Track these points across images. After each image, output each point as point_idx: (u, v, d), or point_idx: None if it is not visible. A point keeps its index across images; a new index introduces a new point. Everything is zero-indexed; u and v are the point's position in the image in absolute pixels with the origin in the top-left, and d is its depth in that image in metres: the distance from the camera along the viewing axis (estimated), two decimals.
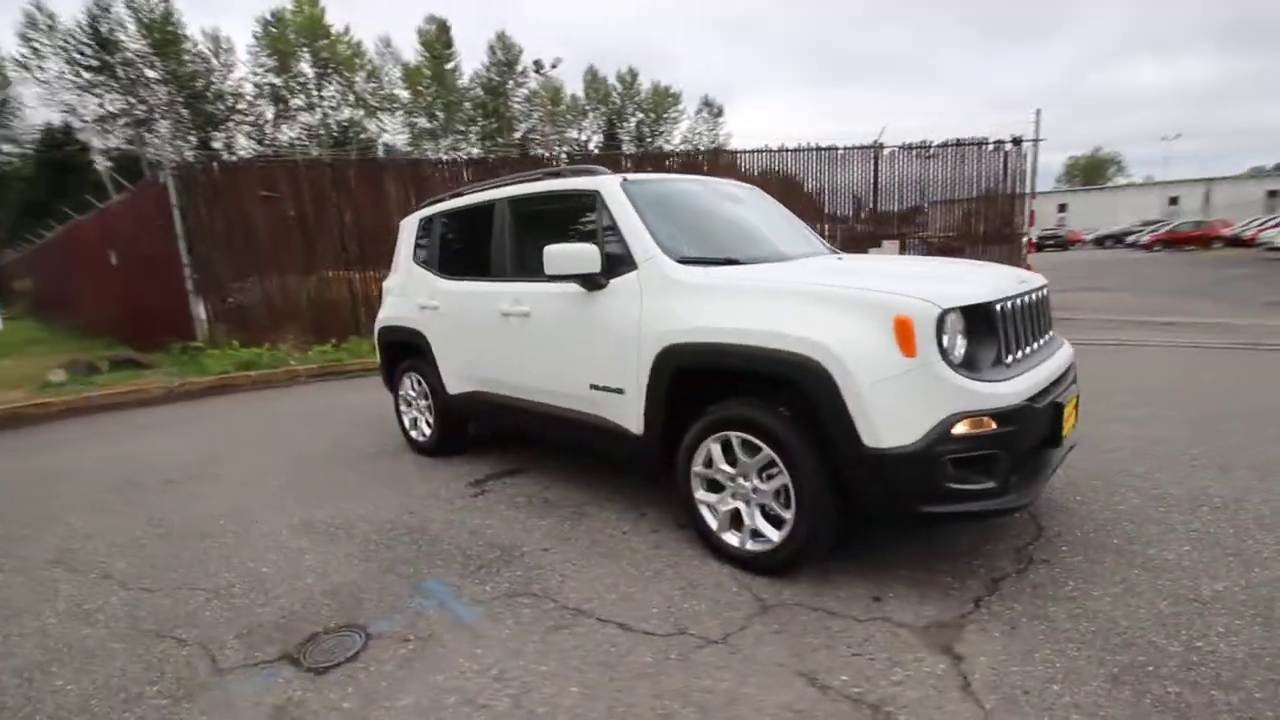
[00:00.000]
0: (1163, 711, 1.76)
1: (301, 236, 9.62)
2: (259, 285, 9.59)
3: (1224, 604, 2.21)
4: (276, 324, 9.48)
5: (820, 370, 2.22)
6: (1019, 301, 2.51)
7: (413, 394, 4.49)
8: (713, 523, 2.70)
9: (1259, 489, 3.09)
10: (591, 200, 3.18)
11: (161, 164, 9.00)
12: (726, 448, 2.61)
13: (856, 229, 11.40)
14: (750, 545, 2.58)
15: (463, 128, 49.68)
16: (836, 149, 11.19)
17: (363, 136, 43.06)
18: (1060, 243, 37.63)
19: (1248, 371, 5.74)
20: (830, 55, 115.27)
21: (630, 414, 2.93)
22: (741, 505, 2.60)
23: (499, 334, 3.58)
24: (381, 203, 9.95)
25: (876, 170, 11.24)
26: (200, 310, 9.14)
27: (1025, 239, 11.20)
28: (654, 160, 13.41)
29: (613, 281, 2.96)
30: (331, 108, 42.74)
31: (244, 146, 39.30)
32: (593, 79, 57.37)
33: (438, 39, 46.65)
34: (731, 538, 2.64)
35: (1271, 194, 42.92)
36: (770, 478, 2.49)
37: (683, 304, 2.70)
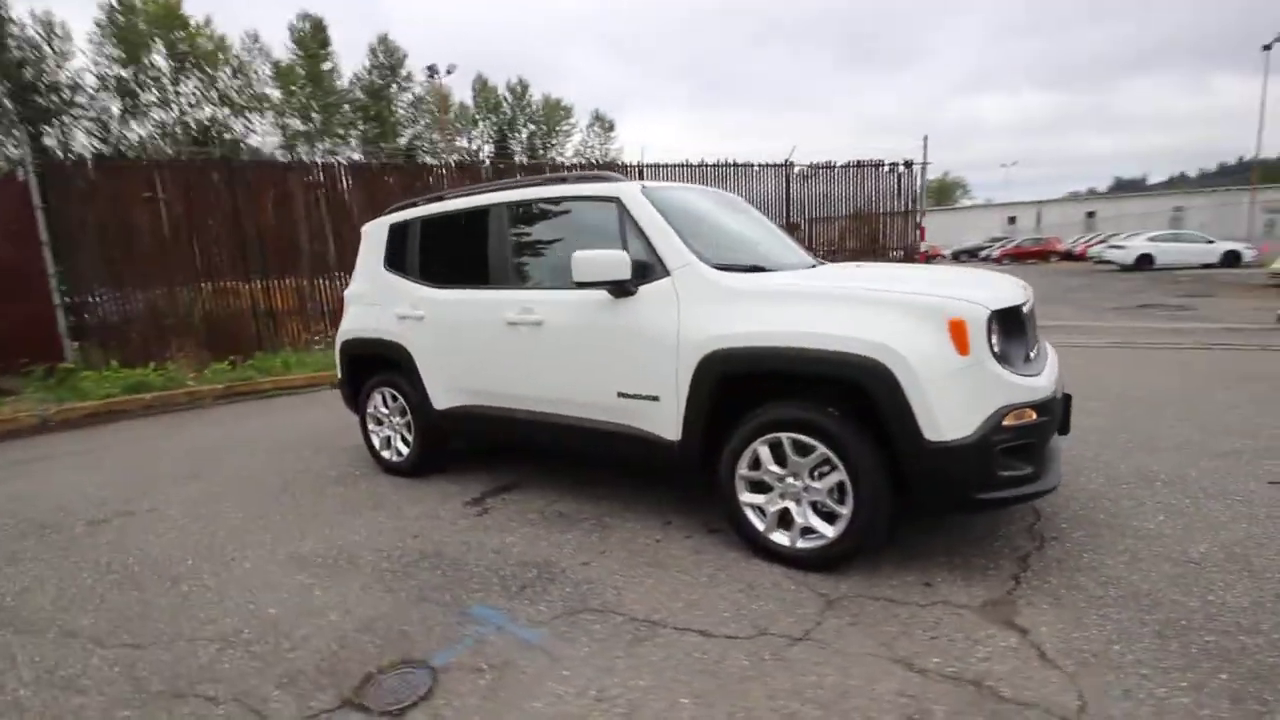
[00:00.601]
0: (1211, 658, 2.01)
1: (192, 243, 8.67)
2: (140, 297, 8.52)
3: (1212, 562, 2.56)
4: (163, 341, 8.45)
5: (884, 370, 2.34)
6: (1030, 305, 2.79)
7: (384, 411, 4.18)
8: (759, 524, 2.74)
9: (1190, 464, 3.60)
10: (610, 206, 3.14)
11: (22, 160, 7.76)
12: (775, 449, 2.67)
13: None
14: (801, 543, 2.64)
15: (342, 131, 46.92)
16: (752, 165, 11.71)
17: (227, 137, 39.48)
18: (926, 256, 41.48)
19: (1130, 365, 6.65)
20: (708, 77, 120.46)
21: (666, 421, 2.92)
22: (791, 504, 2.67)
23: (502, 344, 3.43)
24: (287, 206, 9.19)
25: (788, 187, 11.89)
26: (67, 327, 7.97)
27: (919, 251, 12.28)
28: (555, 171, 13.33)
29: (643, 288, 2.94)
30: (191, 104, 38.82)
31: (83, 144, 34.75)
32: (482, 87, 56.31)
33: (312, 37, 43.78)
34: (781, 537, 2.69)
35: (1090, 214, 49.79)
36: (823, 476, 2.58)
37: (728, 310, 2.73)
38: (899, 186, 12.00)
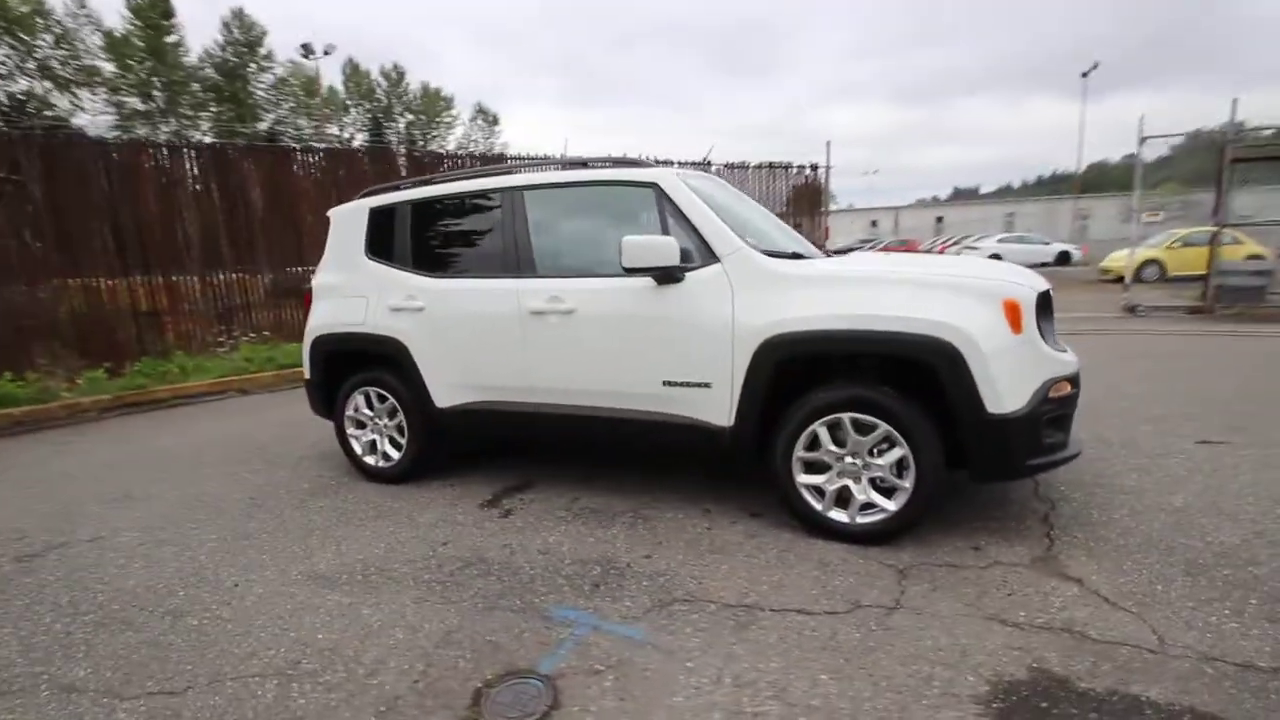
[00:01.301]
0: (1236, 588, 2.32)
1: (55, 232, 7.43)
2: None
3: (1195, 510, 2.96)
4: (22, 347, 7.19)
5: (951, 348, 2.49)
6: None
7: (368, 414, 3.83)
8: (816, 504, 2.82)
9: (1133, 429, 4.14)
10: (647, 192, 3.09)
11: None
12: (833, 429, 2.75)
13: None
14: (860, 519, 2.75)
15: (190, 112, 42.14)
16: (671, 163, 11.88)
17: (48, 114, 34.16)
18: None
19: None
20: (576, 75, 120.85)
21: (717, 407, 2.92)
22: (850, 483, 2.77)
23: (524, 335, 3.26)
24: (173, 192, 8.12)
25: None
26: None
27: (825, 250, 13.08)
28: (460, 162, 12.83)
29: (690, 275, 2.92)
30: (1, 75, 33.16)
31: None
32: (353, 72, 52.83)
33: (152, 6, 38.88)
34: (839, 515, 2.79)
35: (939, 219, 55.34)
36: (882, 453, 2.70)
37: (783, 295, 2.78)
38: (806, 187, 12.70)
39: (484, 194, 3.46)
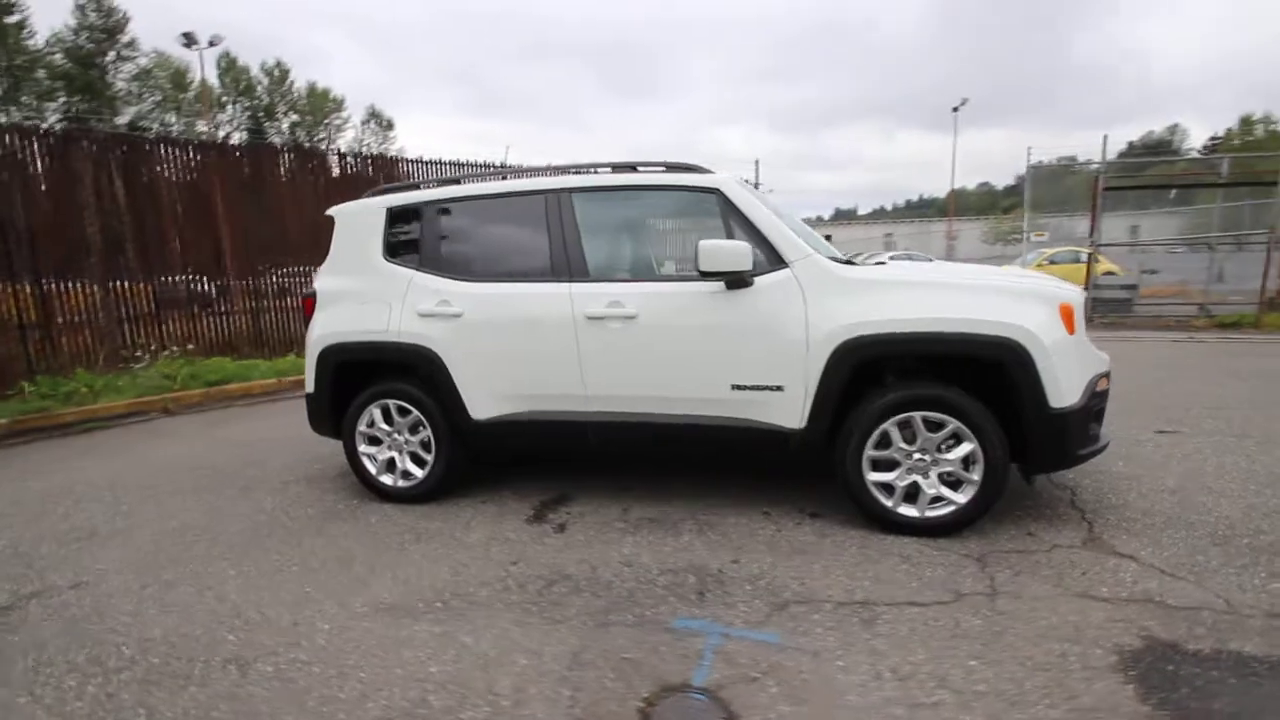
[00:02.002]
0: (1260, 552, 2.65)
1: None
2: None
3: (1189, 489, 3.34)
4: None
5: (1021, 348, 2.69)
6: None
7: (386, 429, 3.54)
8: (886, 500, 2.92)
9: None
10: (709, 198, 3.10)
11: None
12: (902, 427, 2.87)
13: None
14: (929, 512, 2.89)
15: (34, 101, 37.26)
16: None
17: None
18: None
19: None
20: (472, 88, 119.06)
21: (789, 410, 2.96)
22: (919, 478, 2.90)
23: (579, 341, 3.15)
24: (69, 188, 7.12)
25: None
26: None
27: None
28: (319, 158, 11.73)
29: (759, 280, 2.96)
30: None
31: None
32: (230, 66, 48.91)
33: None
34: (909, 510, 2.91)
35: (828, 237, 59.03)
36: (950, 449, 2.85)
37: (853, 299, 2.87)
38: None
39: (526, 195, 3.33)
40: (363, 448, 3.59)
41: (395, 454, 3.56)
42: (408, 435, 3.53)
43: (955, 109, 35.52)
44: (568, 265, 3.22)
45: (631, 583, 2.62)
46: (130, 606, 2.58)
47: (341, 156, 9.84)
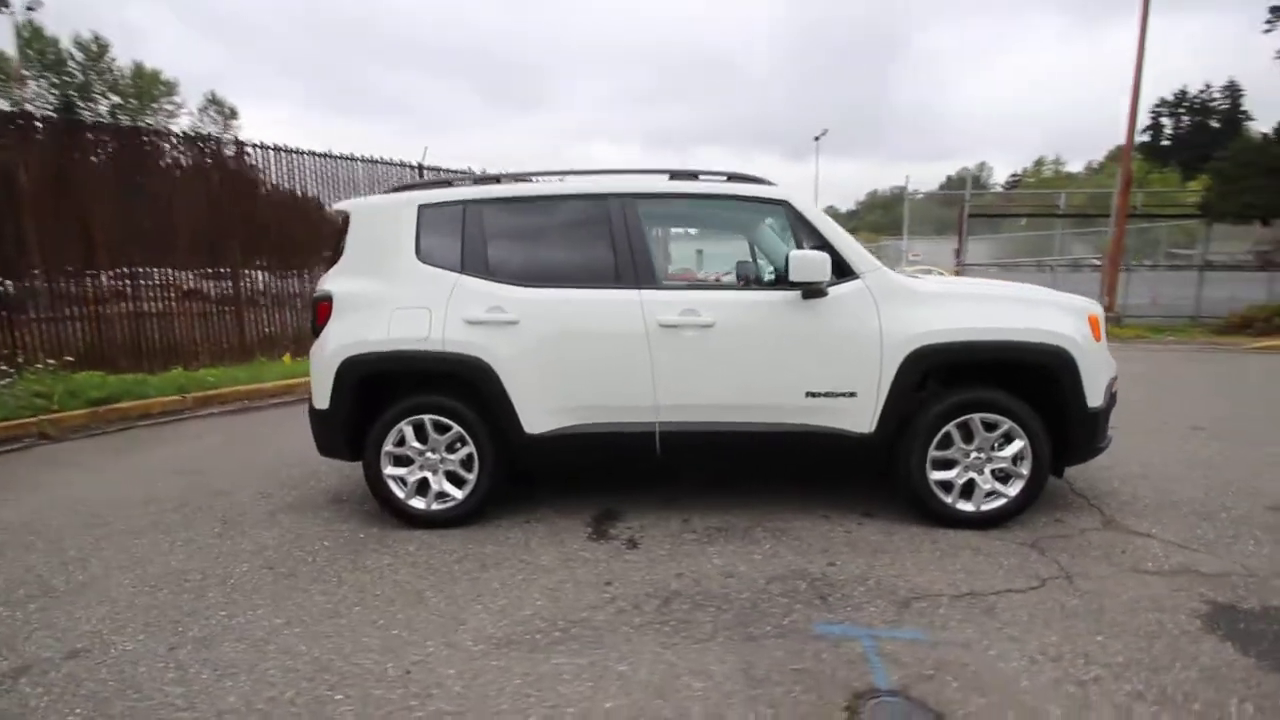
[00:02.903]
0: (1240, 524, 3.13)
1: None
2: None
3: (1154, 476, 3.88)
4: None
5: (1067, 355, 3.00)
6: None
7: (418, 447, 3.20)
8: (946, 497, 3.12)
9: None
10: (777, 209, 3.15)
11: None
12: (960, 428, 3.09)
13: None
14: (984, 507, 3.12)
15: None
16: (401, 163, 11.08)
17: None
18: None
19: None
20: (329, 88, 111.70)
21: (860, 415, 3.07)
22: (975, 475, 3.12)
23: (651, 350, 3.06)
24: None
25: None
26: None
27: None
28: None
29: (833, 289, 3.05)
30: None
31: None
32: (33, 37, 41.95)
33: None
34: (966, 505, 3.12)
35: (699, 251, 61.66)
36: (1001, 447, 3.11)
37: (919, 309, 3.05)
38: None
39: (588, 199, 3.19)
40: (389, 469, 3.22)
41: (429, 474, 3.23)
42: (444, 453, 3.22)
43: (816, 138, 38.55)
44: (635, 271, 3.12)
45: (746, 593, 2.58)
46: (172, 674, 2.12)
47: (240, 146, 8.69)
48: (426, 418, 3.17)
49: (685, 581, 2.68)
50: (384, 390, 3.23)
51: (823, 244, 3.09)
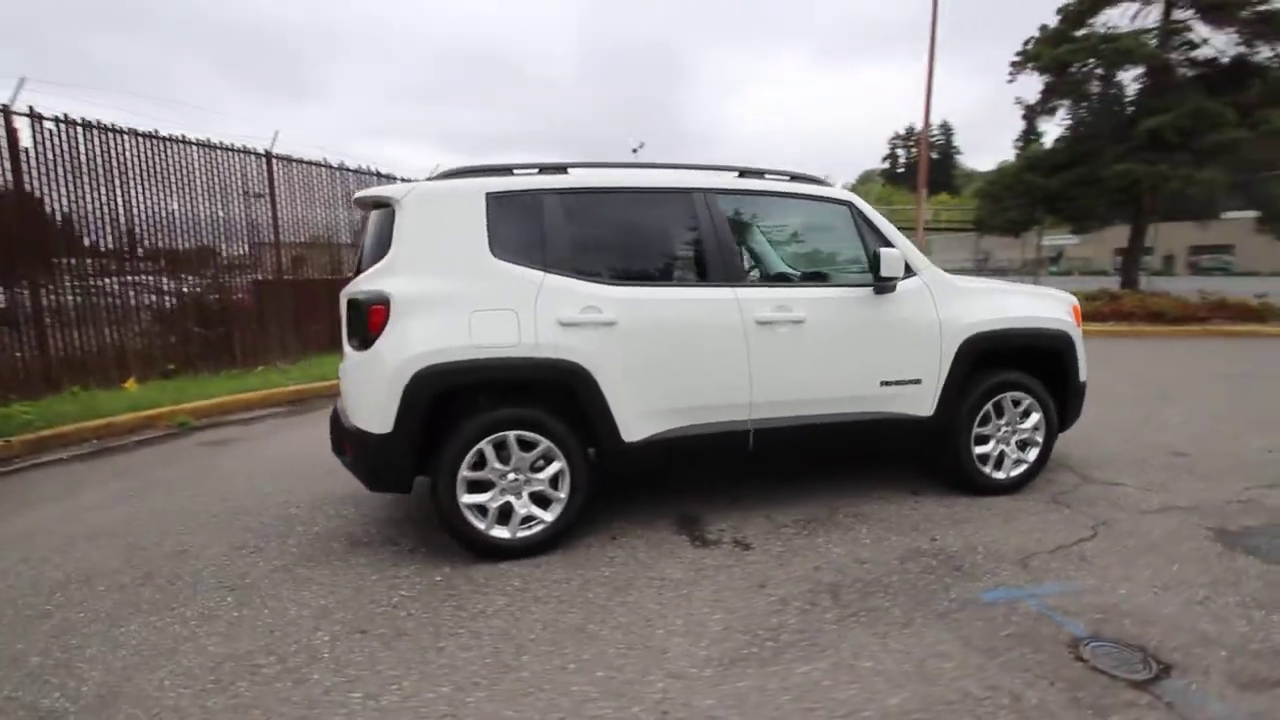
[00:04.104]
0: (1186, 471, 3.95)
1: None
2: None
3: (1076, 439, 4.71)
4: None
5: (1069, 338, 3.56)
6: None
7: (500, 468, 2.82)
8: (985, 468, 3.52)
9: None
10: (841, 209, 3.31)
11: None
12: (995, 406, 3.51)
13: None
14: (1012, 474, 3.57)
15: None
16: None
17: None
18: None
19: None
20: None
21: (922, 400, 3.34)
22: (1005, 448, 3.56)
23: (749, 347, 3.03)
24: None
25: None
26: None
27: None
28: None
29: (899, 285, 3.29)
30: None
31: None
32: None
33: None
34: (999, 474, 3.54)
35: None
36: (1023, 420, 3.58)
37: (964, 302, 3.40)
38: None
39: (673, 193, 3.06)
40: (466, 497, 2.79)
41: (512, 498, 2.86)
42: (528, 473, 2.88)
43: (635, 150, 40.13)
44: (724, 268, 3.07)
45: (894, 576, 2.68)
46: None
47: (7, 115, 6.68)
48: (511, 434, 2.81)
49: (830, 573, 2.71)
50: (466, 404, 2.80)
51: (884, 243, 3.31)
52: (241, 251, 8.75)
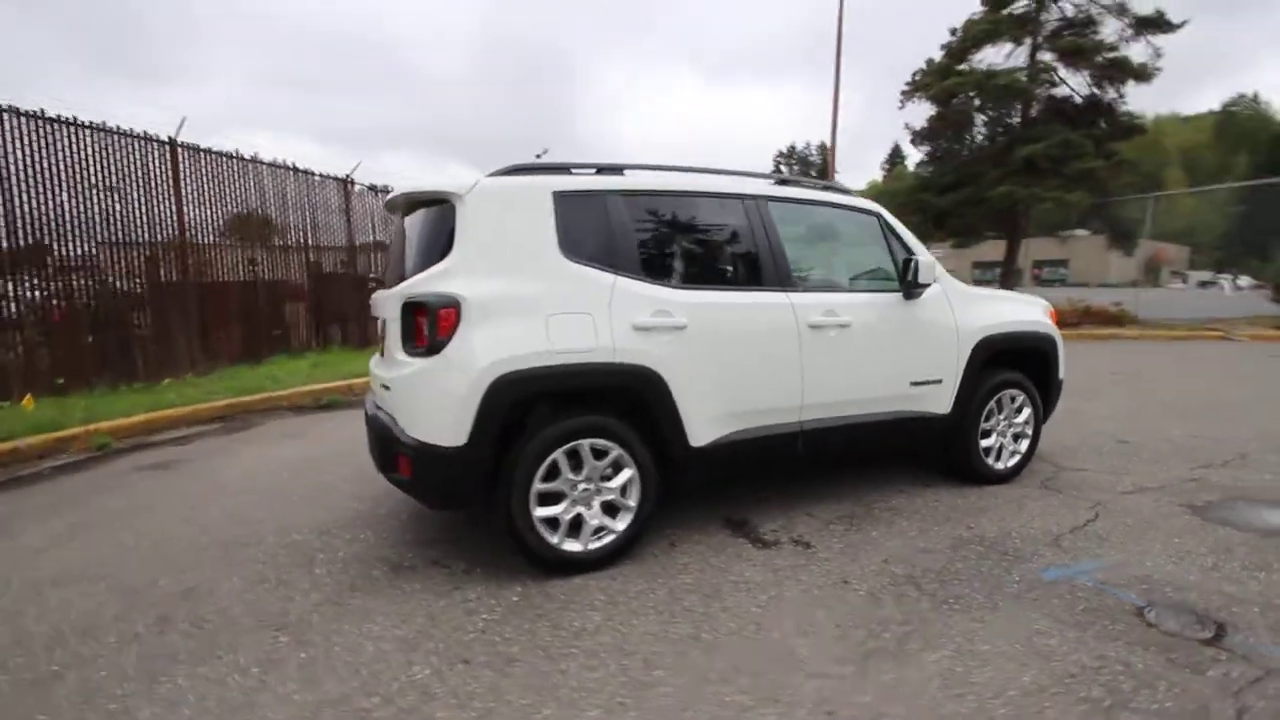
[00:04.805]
0: (1134, 456, 4.49)
1: None
2: None
3: (1049, 432, 5.22)
4: None
5: (1055, 340, 3.94)
6: None
7: (573, 478, 2.71)
8: (988, 459, 3.82)
9: None
10: (870, 220, 3.48)
11: None
12: (997, 403, 3.82)
13: None
14: (1009, 464, 3.90)
15: None
16: (314, 174, 9.87)
17: None
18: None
19: None
20: None
21: (942, 398, 3.58)
22: (1003, 440, 3.88)
23: (803, 351, 3.11)
24: None
25: (348, 203, 10.59)
26: None
27: None
28: None
29: (923, 291, 3.50)
30: None
31: None
32: None
33: None
34: (999, 465, 3.86)
35: None
36: (1018, 415, 3.92)
37: (974, 307, 3.68)
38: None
39: (725, 197, 3.08)
40: (537, 511, 2.65)
41: (582, 509, 2.75)
42: (595, 484, 2.78)
43: (538, 155, 39.73)
44: (777, 272, 3.13)
45: (958, 563, 2.84)
46: None
47: None
48: (585, 442, 2.71)
49: (901, 565, 2.83)
50: (537, 412, 2.66)
51: (908, 251, 3.52)
52: (144, 252, 7.76)
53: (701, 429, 2.94)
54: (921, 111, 17.26)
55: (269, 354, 9.10)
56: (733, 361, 2.98)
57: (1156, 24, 13.98)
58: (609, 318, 2.72)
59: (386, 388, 2.76)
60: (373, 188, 11.13)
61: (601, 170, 2.96)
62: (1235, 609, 2.43)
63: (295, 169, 9.67)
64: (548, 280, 2.68)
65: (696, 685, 2.03)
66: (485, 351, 2.51)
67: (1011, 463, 3.91)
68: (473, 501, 2.65)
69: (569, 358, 2.62)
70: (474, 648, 2.25)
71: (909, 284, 3.35)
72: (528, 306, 2.62)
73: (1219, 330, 11.76)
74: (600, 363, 2.68)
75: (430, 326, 2.52)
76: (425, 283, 2.61)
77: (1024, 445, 3.96)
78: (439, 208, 2.75)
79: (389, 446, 2.69)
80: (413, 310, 2.61)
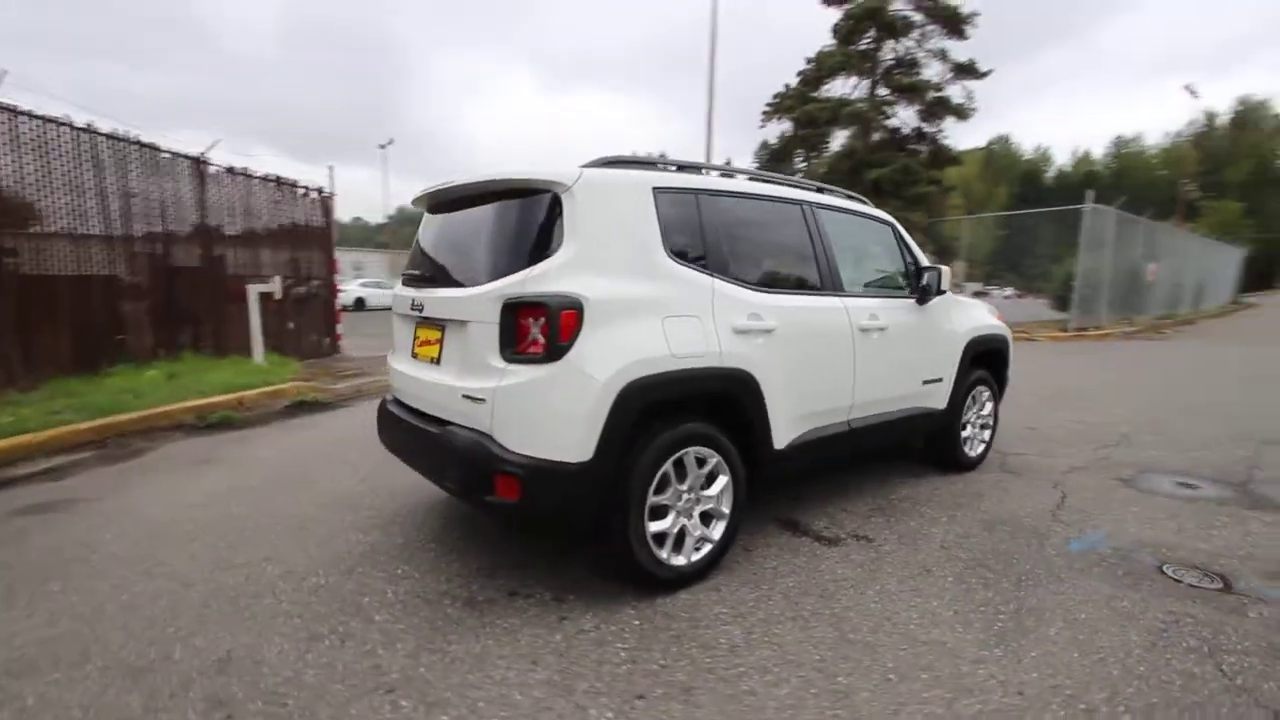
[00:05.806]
0: (1073, 443, 5.24)
1: None
2: None
3: (1009, 422, 5.89)
4: None
5: (1007, 340, 4.51)
6: None
7: (680, 488, 2.59)
8: (964, 447, 4.27)
9: None
10: (885, 229, 3.73)
11: None
12: (972, 397, 4.28)
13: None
14: (977, 452, 4.38)
15: None
16: (159, 150, 8.36)
17: None
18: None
19: None
20: None
21: (942, 395, 3.93)
22: (974, 430, 4.36)
23: (853, 354, 3.24)
24: None
25: (204, 188, 9.11)
26: None
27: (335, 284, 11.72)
28: None
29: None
30: None
31: None
32: None
33: None
34: (972, 452, 4.33)
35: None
36: (984, 408, 4.42)
37: (963, 313, 4.10)
38: (318, 213, 11.15)
39: (787, 202, 3.13)
40: (650, 526, 2.50)
41: (686, 521, 2.64)
42: (696, 492, 2.69)
43: (382, 146, 37.09)
44: (832, 277, 3.25)
45: (1004, 544, 3.14)
46: None
47: None
48: (691, 450, 2.61)
49: (960, 550, 3.07)
50: (673, 416, 2.53)
51: (916, 259, 3.83)
52: None
53: (782, 431, 2.96)
54: (772, 132, 18.80)
55: (108, 364, 7.52)
56: (808, 364, 3.05)
57: (970, 70, 16.45)
58: (713, 321, 2.64)
59: (472, 398, 2.43)
60: (232, 170, 9.66)
61: (683, 168, 2.87)
62: (1223, 561, 2.95)
63: (140, 142, 8.10)
64: (657, 280, 2.54)
65: (884, 688, 2.05)
66: (615, 356, 2.32)
67: (978, 451, 4.40)
68: (587, 524, 2.43)
69: (686, 362, 2.51)
70: (636, 680, 2.07)
71: (926, 290, 3.65)
72: (644, 308, 2.46)
73: (1025, 332, 14.11)
74: (712, 367, 2.60)
75: (551, 330, 2.27)
76: (533, 282, 2.34)
77: (987, 434, 4.48)
78: (524, 200, 2.49)
79: (481, 466, 2.36)
80: (519, 311, 2.33)
